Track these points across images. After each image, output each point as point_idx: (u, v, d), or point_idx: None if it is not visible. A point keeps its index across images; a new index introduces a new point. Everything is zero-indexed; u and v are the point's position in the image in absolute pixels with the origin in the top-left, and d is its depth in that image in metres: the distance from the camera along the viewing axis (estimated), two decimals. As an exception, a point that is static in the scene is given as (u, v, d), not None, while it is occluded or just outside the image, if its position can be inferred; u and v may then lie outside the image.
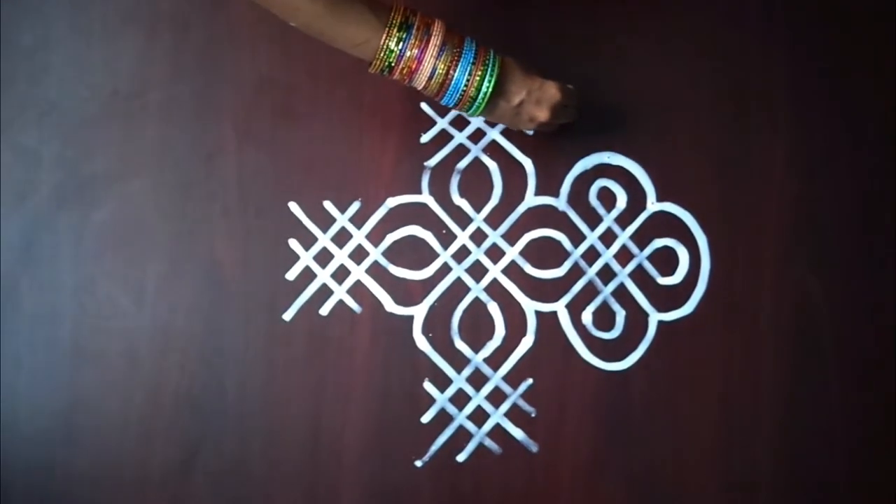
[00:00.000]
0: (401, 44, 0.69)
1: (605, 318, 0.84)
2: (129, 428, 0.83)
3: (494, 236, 0.85)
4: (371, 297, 0.84)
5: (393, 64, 0.70)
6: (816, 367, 0.84)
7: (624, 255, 0.85)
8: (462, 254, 0.85)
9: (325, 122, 0.85)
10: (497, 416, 0.83)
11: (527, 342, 0.84)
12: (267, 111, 0.85)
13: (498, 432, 0.83)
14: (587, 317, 0.84)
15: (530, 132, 0.84)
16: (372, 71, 0.71)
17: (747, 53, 0.87)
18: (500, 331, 0.84)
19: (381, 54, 0.70)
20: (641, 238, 0.85)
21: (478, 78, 0.72)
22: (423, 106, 0.86)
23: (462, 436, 0.83)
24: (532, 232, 0.85)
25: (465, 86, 0.72)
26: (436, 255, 0.84)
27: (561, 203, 0.85)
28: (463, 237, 0.85)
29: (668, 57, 0.87)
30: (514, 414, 0.83)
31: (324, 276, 0.84)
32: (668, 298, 0.84)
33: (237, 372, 0.83)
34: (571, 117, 0.81)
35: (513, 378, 0.83)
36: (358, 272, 0.84)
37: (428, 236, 0.85)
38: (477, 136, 0.86)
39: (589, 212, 0.85)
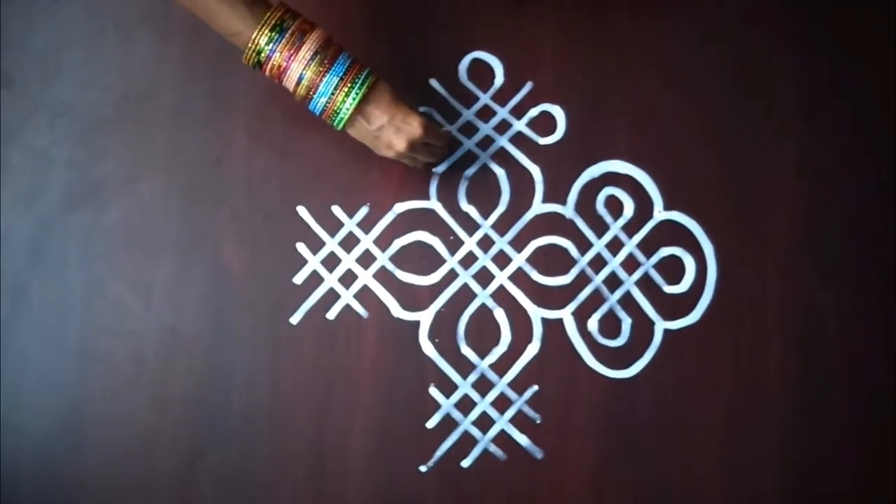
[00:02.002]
0: (271, 44, 0.71)
1: (611, 325, 0.84)
2: (135, 429, 0.83)
3: (501, 243, 0.85)
4: (378, 302, 0.84)
5: (262, 62, 0.72)
6: (823, 377, 0.84)
7: (630, 264, 0.85)
8: (469, 260, 0.85)
9: (334, 128, 0.86)
10: (502, 423, 0.83)
11: (533, 349, 0.84)
12: (277, 115, 0.86)
13: (503, 438, 0.83)
14: (593, 324, 0.84)
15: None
16: (244, 61, 0.73)
17: (756, 63, 0.88)
18: (506, 337, 0.84)
19: (250, 51, 0.71)
20: (648, 246, 0.85)
21: (343, 93, 0.73)
22: (433, 112, 0.86)
23: (467, 442, 0.83)
24: (539, 239, 0.85)
25: (330, 99, 0.73)
26: (443, 261, 0.85)
27: (568, 211, 0.85)
28: (470, 243, 0.85)
29: (677, 66, 0.87)
30: (520, 420, 0.83)
31: (331, 280, 0.84)
32: (674, 307, 0.85)
33: (244, 374, 0.83)
34: (435, 158, 0.82)
35: (518, 384, 0.83)
36: (365, 277, 0.84)
37: (435, 242, 0.85)
38: (485, 143, 0.86)
39: (596, 220, 0.85)
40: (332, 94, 0.72)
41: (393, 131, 0.75)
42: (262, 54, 0.71)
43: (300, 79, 0.72)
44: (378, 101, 0.74)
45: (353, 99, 0.73)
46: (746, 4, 0.88)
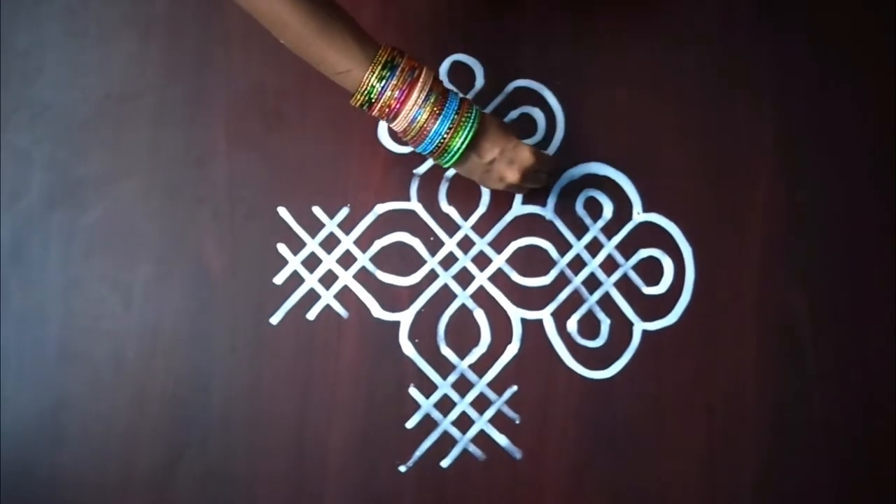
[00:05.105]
0: (383, 82, 0.69)
1: (590, 326, 0.85)
2: (114, 429, 0.83)
3: (481, 244, 0.85)
4: (358, 303, 0.84)
5: (373, 100, 0.70)
6: (799, 380, 0.84)
7: (609, 265, 0.85)
8: (449, 261, 0.85)
9: (315, 128, 0.86)
10: (481, 423, 0.83)
11: (512, 349, 0.84)
12: (258, 116, 0.86)
13: (482, 439, 0.83)
14: (572, 325, 0.85)
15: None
16: (353, 103, 0.71)
17: (734, 66, 0.88)
18: (485, 338, 0.84)
19: (363, 88, 0.69)
20: (627, 248, 0.86)
21: (455, 133, 0.71)
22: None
23: (446, 442, 0.83)
24: (519, 240, 0.86)
25: (444, 137, 0.71)
26: (423, 262, 0.85)
27: (548, 212, 0.86)
28: (450, 244, 0.85)
29: (656, 69, 0.88)
30: (499, 420, 0.83)
31: (311, 280, 0.85)
32: (652, 308, 0.85)
33: (223, 375, 0.83)
34: (542, 183, 0.82)
35: (498, 385, 0.84)
36: (345, 277, 0.85)
37: (416, 243, 0.85)
38: (466, 144, 0.87)
39: (575, 221, 0.86)
40: (445, 134, 0.71)
41: (505, 164, 0.75)
42: (374, 93, 0.69)
43: (414, 119, 0.70)
44: (488, 135, 0.73)
45: (465, 138, 0.72)
46: (725, 9, 0.89)
